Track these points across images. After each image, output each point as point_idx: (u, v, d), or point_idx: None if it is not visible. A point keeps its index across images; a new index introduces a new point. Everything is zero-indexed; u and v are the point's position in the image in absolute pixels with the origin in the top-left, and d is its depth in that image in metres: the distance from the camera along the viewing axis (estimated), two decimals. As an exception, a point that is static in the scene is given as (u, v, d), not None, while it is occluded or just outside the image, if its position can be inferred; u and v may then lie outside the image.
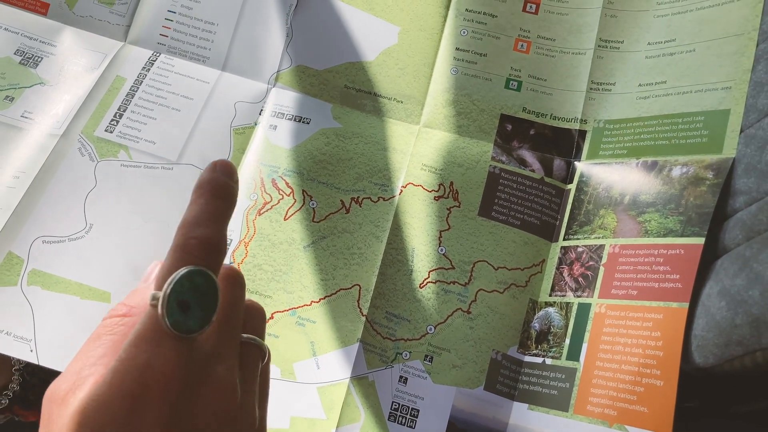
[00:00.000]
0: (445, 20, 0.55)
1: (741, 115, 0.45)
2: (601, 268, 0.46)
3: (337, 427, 0.44)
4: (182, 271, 0.25)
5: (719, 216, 0.42)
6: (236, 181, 0.30)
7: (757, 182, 0.40)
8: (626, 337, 0.42)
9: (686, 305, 0.40)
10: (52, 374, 0.49)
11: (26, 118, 0.49)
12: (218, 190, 0.28)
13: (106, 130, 0.49)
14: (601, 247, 0.47)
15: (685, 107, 0.48)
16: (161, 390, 0.25)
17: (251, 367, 0.29)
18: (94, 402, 0.25)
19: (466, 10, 0.55)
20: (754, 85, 0.44)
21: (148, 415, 0.25)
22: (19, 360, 0.47)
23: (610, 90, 0.52)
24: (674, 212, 0.44)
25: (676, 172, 0.46)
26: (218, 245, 0.27)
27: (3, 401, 0.47)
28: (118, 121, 0.49)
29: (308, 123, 0.52)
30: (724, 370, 0.37)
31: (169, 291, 0.25)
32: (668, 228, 0.44)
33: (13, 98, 0.49)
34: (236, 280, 0.29)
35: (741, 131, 0.44)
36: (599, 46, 0.53)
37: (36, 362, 0.41)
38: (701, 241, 0.42)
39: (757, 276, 0.35)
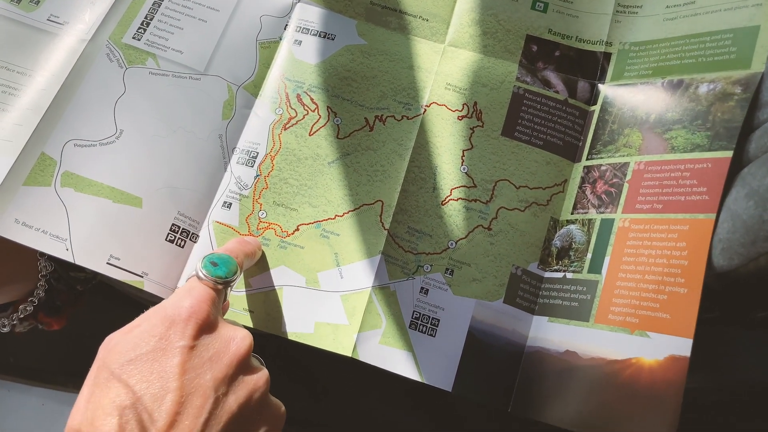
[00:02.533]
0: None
1: (771, 32, 0.45)
2: (626, 185, 0.46)
3: (359, 332, 0.46)
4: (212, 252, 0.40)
5: (747, 129, 0.43)
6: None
7: (786, 95, 0.41)
8: (650, 249, 0.43)
9: (713, 216, 0.41)
10: (78, 281, 0.50)
11: (53, 22, 0.48)
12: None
13: (134, 38, 0.49)
14: (626, 164, 0.47)
15: (714, 26, 0.48)
16: (190, 316, 0.33)
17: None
18: (137, 326, 0.33)
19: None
20: (786, 2, 0.44)
21: (177, 333, 0.32)
22: (45, 266, 0.48)
23: (637, 12, 0.52)
24: (701, 128, 0.44)
25: (703, 89, 0.46)
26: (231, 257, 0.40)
27: (29, 308, 0.48)
28: (145, 29, 0.49)
29: (333, 39, 0.52)
30: (748, 270, 0.38)
31: (204, 256, 0.38)
32: (695, 143, 0.44)
33: (38, 1, 0.49)
34: (253, 253, 0.44)
35: (771, 48, 0.44)
36: (627, -32, 0.52)
37: (72, 260, 0.42)
38: (729, 154, 0.42)
39: (787, 178, 0.36)
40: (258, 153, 0.49)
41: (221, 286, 0.37)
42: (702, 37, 0.48)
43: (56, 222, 0.42)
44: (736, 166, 0.42)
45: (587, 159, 0.50)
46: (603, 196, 0.47)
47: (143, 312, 0.35)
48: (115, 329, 0.34)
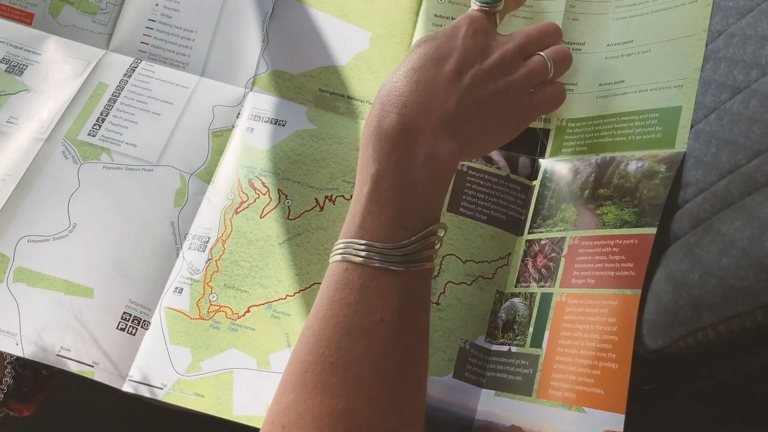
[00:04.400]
0: (414, 26, 0.57)
1: (691, 112, 0.47)
2: (562, 260, 0.48)
3: (312, 414, 0.46)
4: None
5: (671, 207, 0.45)
6: None
7: (703, 174, 0.43)
8: (584, 324, 0.44)
9: (639, 291, 0.42)
10: (44, 366, 0.51)
11: (11, 123, 0.51)
12: None
13: (89, 134, 0.51)
14: (563, 239, 0.49)
15: (641, 105, 0.50)
16: (471, 21, 0.47)
17: (534, 67, 0.48)
18: (423, 36, 0.47)
19: (435, 15, 0.57)
20: (702, 83, 0.47)
21: (462, 31, 0.46)
22: (9, 354, 0.49)
23: (573, 90, 0.54)
24: (629, 204, 0.46)
25: (632, 166, 0.48)
26: None
27: (-2, 396, 0.49)
28: (100, 126, 0.52)
29: (284, 125, 0.55)
30: (672, 351, 0.39)
31: None
32: (624, 220, 0.46)
33: (-2, 105, 0.52)
34: (517, 3, 0.52)
35: (691, 127, 0.46)
36: (562, 48, 0.55)
37: (22, 355, 0.43)
38: (653, 231, 0.44)
39: (699, 260, 0.37)
40: (210, 237, 0.51)
41: (487, 8, 0.48)
42: (631, 116, 0.51)
43: (7, 317, 0.44)
44: (662, 243, 0.44)
45: (529, 233, 0.51)
46: (543, 270, 0.49)
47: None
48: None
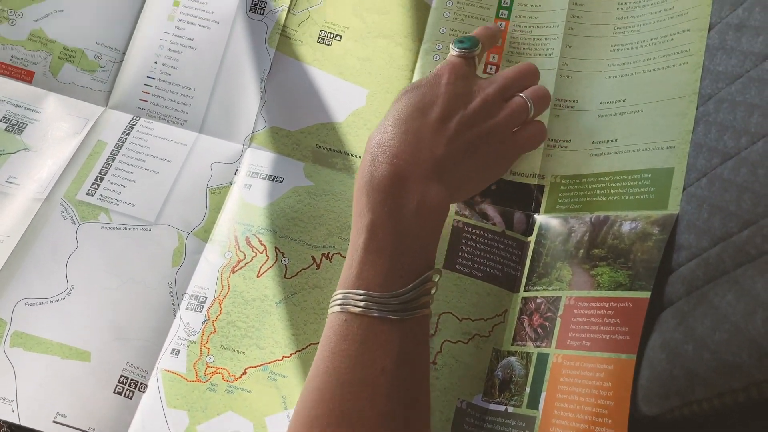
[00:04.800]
0: (410, 83, 0.58)
1: (683, 174, 0.48)
2: (558, 320, 0.48)
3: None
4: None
5: (664, 269, 0.45)
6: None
7: (696, 239, 0.43)
8: (581, 387, 0.45)
9: (634, 357, 0.42)
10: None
11: (11, 183, 0.51)
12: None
13: (87, 194, 0.52)
14: (558, 298, 0.49)
15: (634, 165, 0.51)
16: (452, 69, 0.49)
17: (515, 108, 0.50)
18: (408, 85, 0.50)
19: (430, 72, 0.58)
20: (694, 146, 0.48)
21: (444, 79, 0.49)
22: (6, 420, 0.49)
23: (566, 147, 0.55)
24: (624, 266, 0.47)
25: (626, 227, 0.49)
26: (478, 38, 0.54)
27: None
28: (99, 185, 0.52)
29: (281, 182, 0.55)
30: (667, 419, 0.39)
31: (456, 38, 0.53)
32: (618, 282, 0.47)
33: (-2, 165, 0.52)
34: (494, 36, 0.56)
35: (684, 189, 0.47)
36: (555, 105, 0.56)
37: (18, 422, 0.43)
38: (647, 295, 0.44)
39: (692, 331, 0.38)
40: (207, 297, 0.51)
41: (465, 53, 0.51)
42: (624, 175, 0.51)
43: (3, 383, 0.44)
44: (657, 307, 0.44)
45: (525, 290, 0.52)
46: (539, 329, 0.49)
47: None
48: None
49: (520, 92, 0.52)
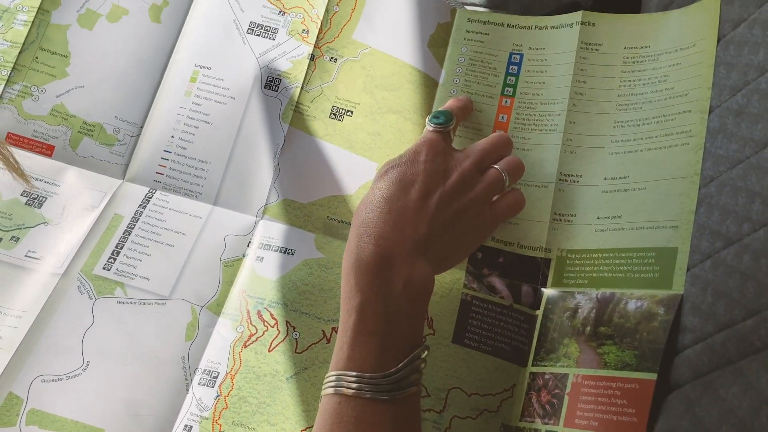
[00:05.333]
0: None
1: (687, 254, 0.49)
2: (566, 397, 0.49)
3: None
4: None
5: (670, 351, 0.46)
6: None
7: (701, 323, 0.44)
8: (589, 468, 0.45)
9: (641, 440, 0.43)
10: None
11: (30, 257, 0.52)
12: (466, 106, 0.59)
13: (104, 268, 0.53)
14: (566, 375, 0.50)
15: (638, 242, 0.52)
16: (429, 145, 0.52)
17: (491, 180, 0.53)
18: (387, 161, 0.52)
19: (438, 147, 0.60)
20: (697, 227, 0.49)
21: (422, 156, 0.51)
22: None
23: (571, 221, 0.56)
24: (630, 346, 0.48)
25: (632, 306, 0.50)
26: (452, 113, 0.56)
27: None
28: (115, 259, 0.53)
29: (293, 254, 0.56)
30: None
31: (431, 113, 0.55)
32: (625, 362, 0.47)
33: (18, 238, 0.53)
34: (466, 107, 0.59)
35: (688, 270, 0.48)
36: (560, 179, 0.58)
37: (30, 502, 0.44)
38: (654, 377, 0.45)
39: (699, 421, 0.38)
40: (219, 372, 0.52)
41: (440, 128, 0.53)
42: (629, 253, 0.52)
43: (19, 463, 0.44)
44: (664, 389, 0.45)
45: (533, 365, 0.52)
46: (547, 406, 0.50)
47: None
48: None
49: (496, 163, 0.54)
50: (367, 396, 0.42)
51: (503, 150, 0.56)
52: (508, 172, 0.54)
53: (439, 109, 0.57)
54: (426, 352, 0.45)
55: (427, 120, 0.55)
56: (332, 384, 0.43)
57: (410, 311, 0.46)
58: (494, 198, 0.54)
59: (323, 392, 0.44)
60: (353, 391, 0.42)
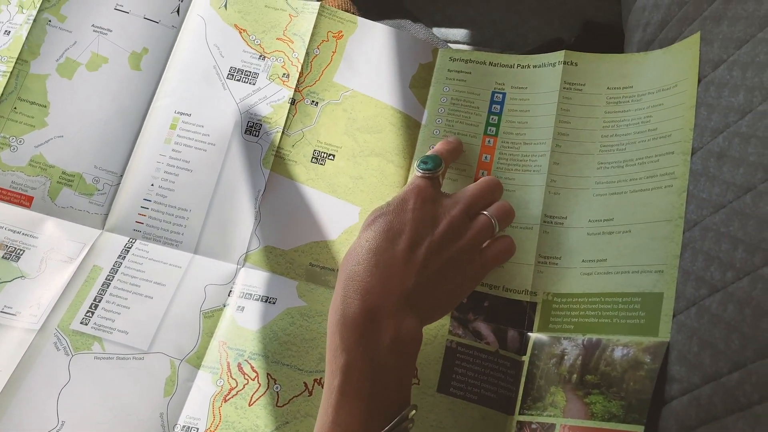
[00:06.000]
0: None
1: (673, 300, 0.48)
2: (553, 449, 0.48)
3: None
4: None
5: (657, 400, 0.45)
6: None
7: (687, 373, 0.43)
8: None
9: (630, 497, 0.42)
10: None
11: (6, 313, 0.52)
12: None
13: (81, 323, 0.52)
14: (552, 426, 0.49)
15: (624, 287, 0.51)
16: (417, 192, 0.50)
17: (480, 228, 0.51)
18: (375, 209, 0.50)
19: (421, 190, 0.59)
20: (682, 272, 0.48)
21: (410, 204, 0.50)
22: None
23: (557, 264, 0.56)
24: (617, 396, 0.47)
25: (618, 353, 0.49)
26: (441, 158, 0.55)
27: None
28: (93, 313, 0.52)
29: (274, 303, 0.55)
30: None
31: (420, 158, 0.54)
32: (612, 413, 0.46)
33: (-5, 293, 0.53)
34: (455, 149, 0.58)
35: (674, 316, 0.47)
36: (545, 221, 0.57)
37: None
38: (641, 429, 0.44)
39: (686, 481, 0.37)
40: (198, 429, 0.50)
41: (429, 174, 0.52)
42: (615, 297, 0.52)
43: None
44: (651, 442, 0.44)
45: (520, 413, 0.51)
46: (534, 458, 0.49)
47: None
48: None
49: (485, 208, 0.53)
50: None
51: (493, 195, 0.55)
52: (498, 219, 0.53)
53: (428, 153, 0.56)
54: (413, 412, 0.44)
55: (415, 165, 0.54)
56: None
57: (398, 368, 0.45)
58: (484, 244, 0.53)
59: None
60: None
